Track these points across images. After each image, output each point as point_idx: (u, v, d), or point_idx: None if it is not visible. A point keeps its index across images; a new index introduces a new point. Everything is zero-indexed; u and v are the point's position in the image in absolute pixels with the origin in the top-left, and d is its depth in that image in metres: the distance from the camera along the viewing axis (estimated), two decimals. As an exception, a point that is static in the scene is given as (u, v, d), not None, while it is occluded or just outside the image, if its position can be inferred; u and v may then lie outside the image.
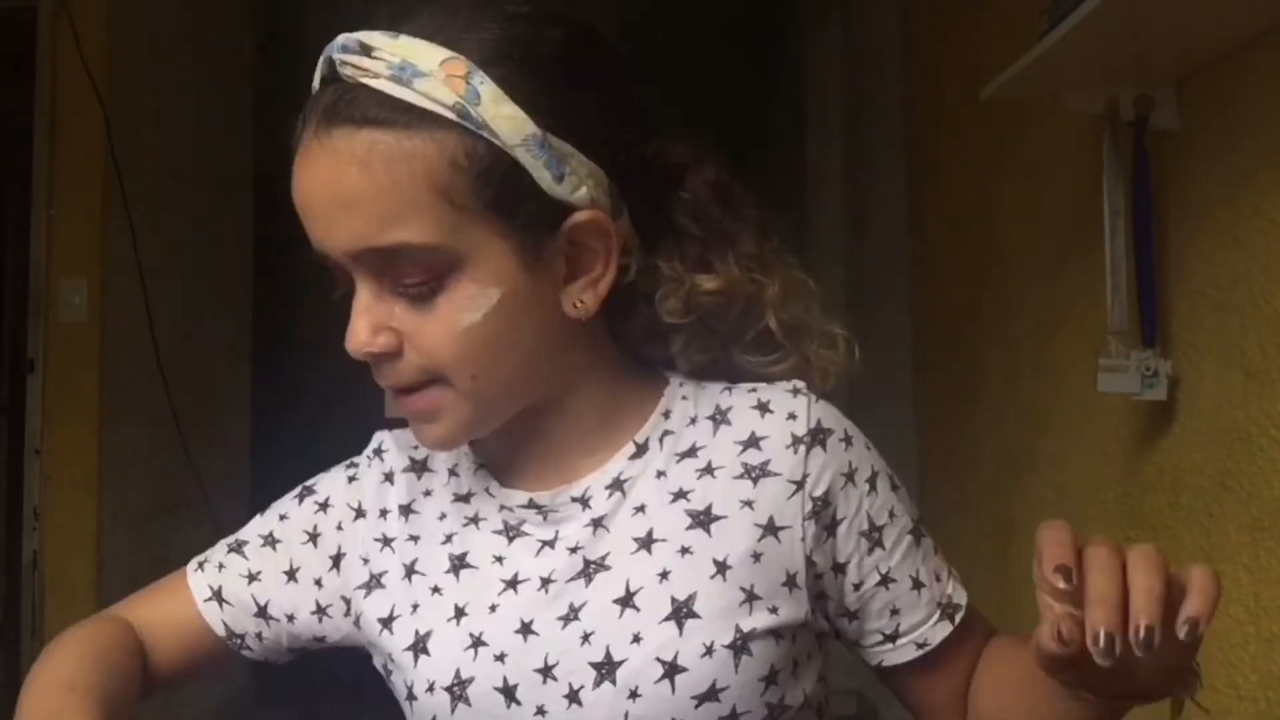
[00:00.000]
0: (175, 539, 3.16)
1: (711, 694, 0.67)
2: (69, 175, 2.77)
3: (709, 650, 0.68)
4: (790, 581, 0.71)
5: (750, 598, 0.69)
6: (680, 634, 0.68)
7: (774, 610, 0.70)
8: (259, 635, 0.80)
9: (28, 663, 2.81)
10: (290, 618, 0.79)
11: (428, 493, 0.78)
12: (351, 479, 0.81)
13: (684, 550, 0.70)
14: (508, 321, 0.67)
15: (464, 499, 0.77)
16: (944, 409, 2.49)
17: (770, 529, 0.71)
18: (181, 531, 3.20)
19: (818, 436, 0.73)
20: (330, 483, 0.82)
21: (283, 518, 0.81)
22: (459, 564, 0.74)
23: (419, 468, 0.80)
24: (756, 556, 0.70)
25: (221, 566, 0.81)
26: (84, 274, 2.77)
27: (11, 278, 3.23)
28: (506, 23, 0.67)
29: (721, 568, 0.70)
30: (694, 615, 0.68)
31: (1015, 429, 1.96)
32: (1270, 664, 1.19)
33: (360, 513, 0.79)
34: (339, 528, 0.80)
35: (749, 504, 0.72)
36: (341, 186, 0.65)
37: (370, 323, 0.67)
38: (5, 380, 3.31)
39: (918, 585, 0.75)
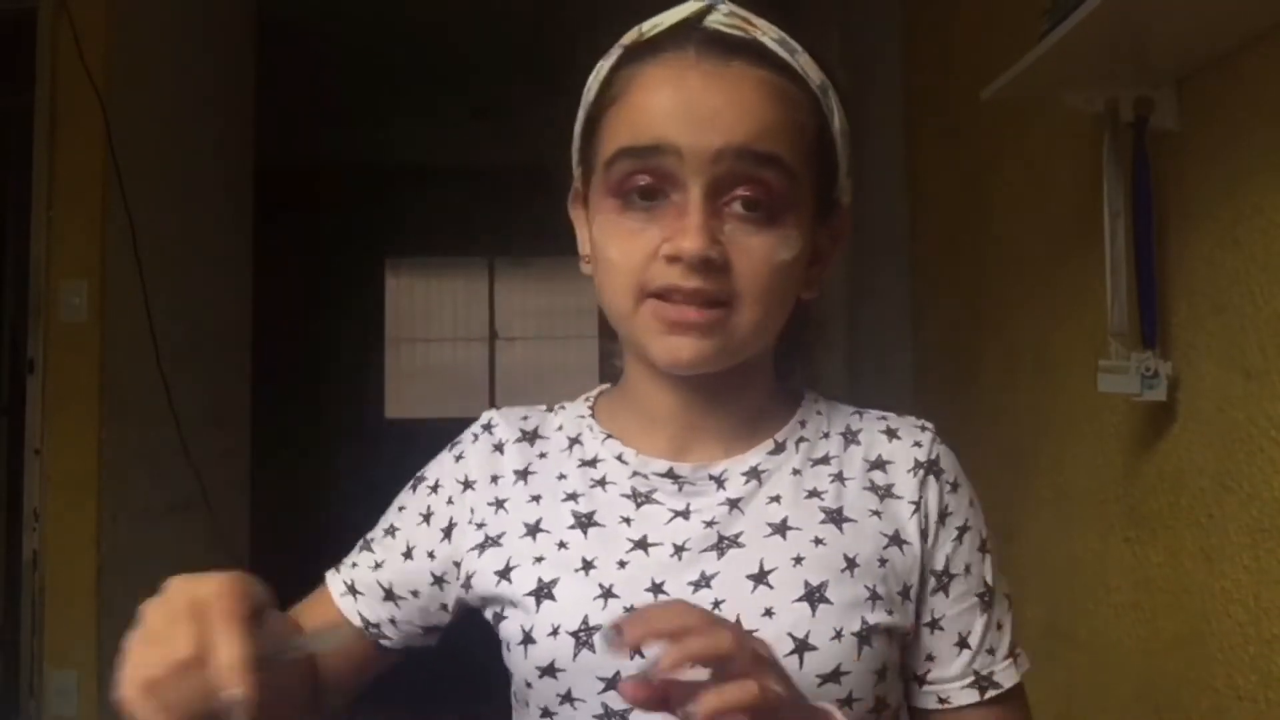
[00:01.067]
0: (176, 539, 3.16)
1: (835, 676, 0.71)
2: (69, 175, 2.77)
3: (838, 635, 0.71)
4: (905, 592, 0.76)
5: (874, 597, 0.74)
6: (813, 615, 0.72)
7: (890, 613, 0.74)
8: (392, 620, 0.84)
9: (28, 662, 2.81)
10: (414, 594, 0.83)
11: (543, 455, 0.83)
12: (458, 458, 0.86)
13: (817, 541, 0.75)
14: (795, 270, 0.76)
15: (590, 464, 0.81)
16: (943, 409, 2.49)
17: (896, 540, 0.76)
18: (182, 531, 3.20)
19: (932, 469, 0.79)
20: (438, 467, 0.86)
21: (401, 509, 0.86)
22: (586, 521, 0.78)
23: (530, 437, 0.84)
24: (883, 562, 0.75)
25: (354, 564, 0.86)
26: (84, 274, 2.76)
27: (11, 278, 3.23)
28: (814, 55, 0.79)
29: (851, 564, 0.74)
30: (826, 601, 0.72)
31: (1015, 430, 1.96)
32: (1270, 665, 1.19)
33: (468, 484, 0.83)
34: (449, 502, 0.84)
35: (877, 514, 0.77)
36: (741, 97, 0.72)
37: (710, 233, 0.72)
38: (5, 380, 3.30)
39: (962, 645, 0.78)
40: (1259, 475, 1.21)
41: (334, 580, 0.86)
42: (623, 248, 0.73)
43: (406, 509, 0.86)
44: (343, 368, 6.81)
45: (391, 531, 0.85)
